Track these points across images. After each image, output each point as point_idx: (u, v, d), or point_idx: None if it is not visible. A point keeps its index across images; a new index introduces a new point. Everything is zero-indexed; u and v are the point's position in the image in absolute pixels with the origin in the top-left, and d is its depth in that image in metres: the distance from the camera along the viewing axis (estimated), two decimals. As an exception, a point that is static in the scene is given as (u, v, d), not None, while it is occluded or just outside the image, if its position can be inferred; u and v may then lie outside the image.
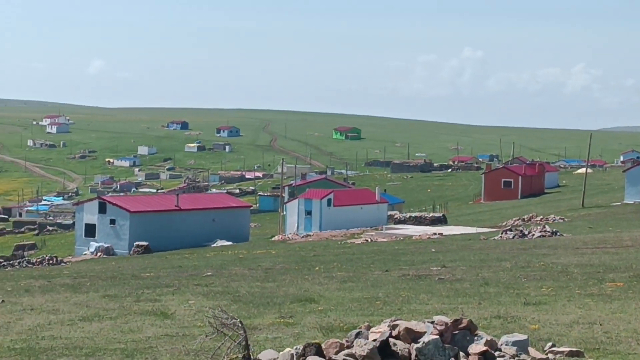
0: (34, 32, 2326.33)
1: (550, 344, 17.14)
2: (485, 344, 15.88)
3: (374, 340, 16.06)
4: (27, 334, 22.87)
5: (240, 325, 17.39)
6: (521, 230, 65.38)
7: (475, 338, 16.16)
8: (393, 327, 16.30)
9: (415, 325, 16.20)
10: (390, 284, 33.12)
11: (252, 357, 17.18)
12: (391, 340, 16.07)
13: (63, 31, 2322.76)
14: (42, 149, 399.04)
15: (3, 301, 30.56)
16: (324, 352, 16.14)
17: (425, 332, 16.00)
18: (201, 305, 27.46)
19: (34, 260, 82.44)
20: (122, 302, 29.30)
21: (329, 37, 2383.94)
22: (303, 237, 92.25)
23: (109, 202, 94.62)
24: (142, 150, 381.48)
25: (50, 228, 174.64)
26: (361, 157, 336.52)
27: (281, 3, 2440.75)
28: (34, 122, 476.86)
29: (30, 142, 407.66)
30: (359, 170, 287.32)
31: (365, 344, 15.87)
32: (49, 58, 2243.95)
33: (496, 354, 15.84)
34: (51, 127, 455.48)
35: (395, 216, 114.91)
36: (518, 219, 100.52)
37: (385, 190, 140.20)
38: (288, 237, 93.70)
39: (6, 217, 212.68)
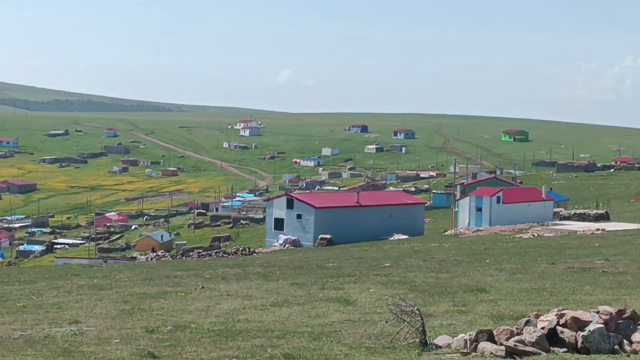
0: (229, 47, 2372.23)
1: None
2: (648, 333, 15.52)
3: (542, 328, 15.86)
4: (225, 317, 23.32)
5: (417, 312, 17.37)
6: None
7: (639, 327, 15.81)
8: (560, 316, 16.07)
9: (582, 314, 15.93)
10: (557, 275, 32.59)
11: (428, 342, 17.14)
12: (558, 328, 15.85)
13: (255, 45, 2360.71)
14: (236, 150, 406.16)
15: (203, 287, 31.24)
16: (495, 338, 16.01)
17: (590, 321, 15.73)
18: (380, 294, 27.53)
19: (229, 251, 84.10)
20: (309, 290, 29.59)
21: (498, 47, 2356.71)
22: (474, 231, 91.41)
23: (296, 199, 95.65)
24: (326, 151, 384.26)
25: (243, 222, 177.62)
26: (528, 158, 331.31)
27: (453, 13, 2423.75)
28: (229, 126, 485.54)
29: (225, 144, 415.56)
30: (526, 170, 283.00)
31: (534, 332, 15.69)
32: (243, 69, 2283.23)
33: (659, 343, 15.45)
34: (244, 131, 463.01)
35: (561, 213, 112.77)
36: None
37: (551, 189, 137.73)
38: (460, 232, 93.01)
39: (204, 211, 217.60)
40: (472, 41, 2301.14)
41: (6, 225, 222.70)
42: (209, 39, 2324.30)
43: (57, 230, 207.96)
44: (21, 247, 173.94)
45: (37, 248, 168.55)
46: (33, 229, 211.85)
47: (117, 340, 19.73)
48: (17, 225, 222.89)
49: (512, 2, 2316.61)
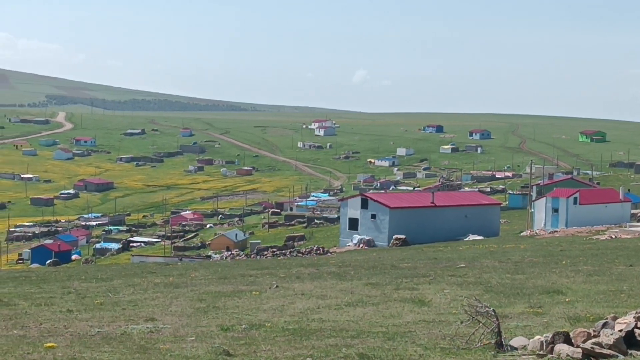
0: (306, 47, 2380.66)
1: None
2: None
3: (620, 330, 15.68)
4: (299, 316, 23.40)
5: (493, 313, 17.29)
6: None
7: None
8: (638, 318, 15.87)
9: (661, 317, 15.72)
10: (634, 277, 32.19)
11: (504, 343, 17.04)
12: (636, 330, 15.67)
13: (332, 45, 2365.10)
14: (311, 150, 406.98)
15: (277, 286, 31.38)
16: (572, 340, 15.86)
17: (670, 324, 15.52)
18: (455, 295, 27.43)
19: (303, 250, 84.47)
20: (383, 290, 29.58)
21: (575, 47, 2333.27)
22: (550, 232, 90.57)
23: (371, 199, 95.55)
24: (401, 151, 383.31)
25: (318, 221, 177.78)
26: (606, 159, 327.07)
27: (528, 12, 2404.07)
28: (304, 126, 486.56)
29: (300, 144, 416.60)
30: (604, 171, 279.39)
31: (611, 334, 15.51)
32: (318, 69, 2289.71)
33: None
34: (319, 130, 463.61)
35: (638, 215, 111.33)
36: None
37: (629, 190, 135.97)
38: (536, 233, 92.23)
39: (279, 211, 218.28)
40: (549, 41, 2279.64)
41: (84, 223, 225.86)
42: (285, 38, 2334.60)
43: (134, 229, 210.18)
44: (98, 245, 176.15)
45: (114, 246, 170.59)
46: (110, 227, 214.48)
47: (193, 338, 19.91)
48: (94, 223, 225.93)
49: (587, 1, 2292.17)
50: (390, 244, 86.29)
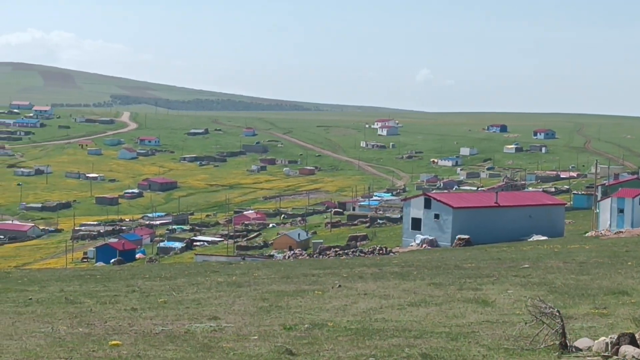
0: (368, 46, 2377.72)
1: None
2: None
3: (688, 332, 15.49)
4: (362, 316, 23.41)
5: (557, 314, 17.17)
6: None
7: None
8: None
9: None
10: None
11: (568, 344, 16.92)
12: None
13: (394, 44, 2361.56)
14: (374, 149, 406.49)
15: (340, 286, 31.40)
16: (638, 342, 15.70)
17: None
18: (519, 295, 27.26)
19: (366, 250, 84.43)
20: (446, 290, 29.49)
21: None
22: (615, 233, 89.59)
23: (434, 199, 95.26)
24: (464, 151, 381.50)
25: (380, 221, 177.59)
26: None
27: (596, 12, 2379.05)
28: (367, 126, 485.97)
29: (363, 144, 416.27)
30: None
31: (678, 336, 15.33)
32: (381, 68, 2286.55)
33: None
34: (382, 130, 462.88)
35: None
36: None
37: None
38: (601, 233, 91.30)
39: (341, 210, 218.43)
40: (614, 39, 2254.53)
41: (147, 223, 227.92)
42: (348, 37, 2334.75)
43: (197, 228, 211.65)
44: (162, 244, 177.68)
45: (177, 245, 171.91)
46: (173, 226, 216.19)
47: (256, 337, 20.00)
48: (158, 222, 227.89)
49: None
50: (453, 244, 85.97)
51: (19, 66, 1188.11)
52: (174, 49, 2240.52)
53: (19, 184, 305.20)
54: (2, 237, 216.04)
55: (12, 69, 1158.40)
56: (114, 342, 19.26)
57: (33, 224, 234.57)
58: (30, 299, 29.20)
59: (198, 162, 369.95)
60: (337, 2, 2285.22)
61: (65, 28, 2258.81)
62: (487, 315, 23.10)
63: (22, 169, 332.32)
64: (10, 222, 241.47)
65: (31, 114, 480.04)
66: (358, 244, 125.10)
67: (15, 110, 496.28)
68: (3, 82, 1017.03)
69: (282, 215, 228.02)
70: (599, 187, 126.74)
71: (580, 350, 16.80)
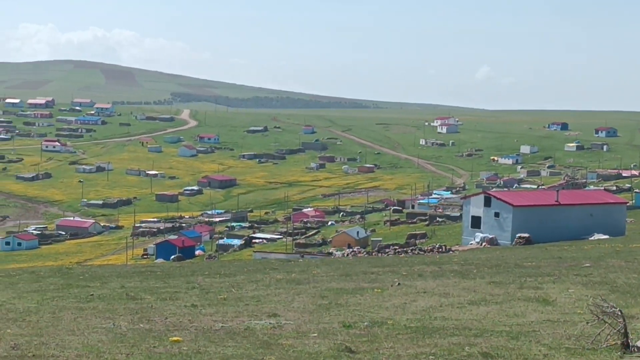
0: (428, 43, 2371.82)
1: None
2: None
3: None
4: (421, 314, 23.36)
5: (619, 313, 17.01)
6: None
7: None
8: None
9: None
10: None
11: (630, 344, 16.76)
12: None
13: (454, 41, 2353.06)
14: (433, 147, 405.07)
15: (399, 284, 31.36)
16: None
17: None
18: (580, 294, 27.04)
19: (425, 248, 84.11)
20: (507, 289, 29.32)
21: None
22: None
23: (494, 197, 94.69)
24: (524, 149, 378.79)
25: (440, 219, 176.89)
26: None
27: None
28: (426, 123, 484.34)
29: (422, 141, 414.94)
30: None
31: None
32: (441, 66, 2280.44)
33: None
34: (442, 128, 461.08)
35: None
36: None
37: None
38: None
39: (400, 208, 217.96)
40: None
41: (207, 220, 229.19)
42: (408, 35, 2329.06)
43: (256, 225, 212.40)
44: (221, 241, 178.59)
45: (236, 242, 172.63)
46: (232, 224, 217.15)
47: (315, 334, 20.04)
48: (217, 219, 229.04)
49: None
50: (513, 243, 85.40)
51: (81, 64, 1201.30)
52: (234, 46, 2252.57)
53: (80, 181, 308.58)
54: (63, 233, 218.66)
55: (74, 67, 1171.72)
56: (174, 338, 19.41)
57: (94, 221, 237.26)
58: (92, 294, 29.51)
59: (257, 160, 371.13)
60: (397, 1, 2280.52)
61: (126, 26, 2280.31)
62: (548, 314, 22.94)
63: (83, 166, 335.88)
64: (72, 218, 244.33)
65: (93, 112, 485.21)
66: (417, 242, 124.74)
67: (77, 108, 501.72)
68: (65, 80, 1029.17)
69: (341, 213, 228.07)
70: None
71: (643, 350, 16.63)
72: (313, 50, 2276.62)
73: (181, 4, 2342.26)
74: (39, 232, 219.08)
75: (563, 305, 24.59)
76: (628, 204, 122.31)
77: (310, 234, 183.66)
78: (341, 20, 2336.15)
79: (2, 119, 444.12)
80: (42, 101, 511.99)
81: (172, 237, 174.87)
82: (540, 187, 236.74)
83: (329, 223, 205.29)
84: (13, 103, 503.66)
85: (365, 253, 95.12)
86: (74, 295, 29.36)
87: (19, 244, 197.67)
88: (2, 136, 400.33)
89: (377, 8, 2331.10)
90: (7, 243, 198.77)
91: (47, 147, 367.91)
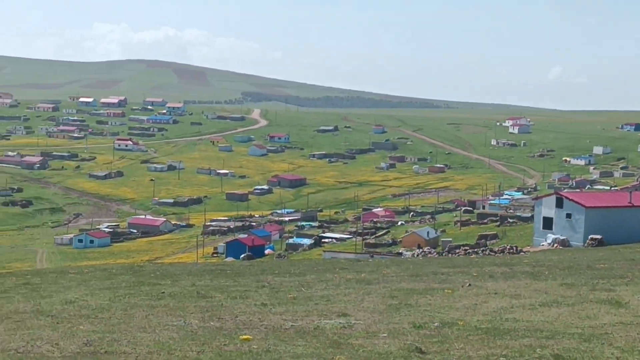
0: (499, 43, 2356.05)
1: None
2: None
3: None
4: (492, 315, 23.21)
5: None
6: None
7: None
8: None
9: None
10: None
11: None
12: None
13: (526, 41, 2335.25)
14: (504, 147, 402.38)
15: (470, 285, 31.20)
16: None
17: None
18: (655, 297, 26.67)
19: (496, 249, 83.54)
20: (579, 291, 29.03)
21: None
22: None
23: (566, 198, 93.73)
24: (597, 150, 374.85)
25: (511, 220, 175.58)
26: None
27: None
28: (498, 124, 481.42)
29: (493, 142, 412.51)
30: None
31: None
32: (512, 66, 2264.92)
33: None
34: (513, 128, 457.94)
35: None
36: None
37: None
38: None
39: (471, 209, 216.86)
40: None
41: (277, 219, 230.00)
42: (479, 34, 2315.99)
43: (325, 225, 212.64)
44: (290, 240, 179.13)
45: (306, 241, 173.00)
46: (302, 223, 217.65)
47: (385, 335, 20.00)
48: (287, 218, 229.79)
49: None
50: (585, 244, 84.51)
51: (153, 63, 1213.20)
52: (304, 46, 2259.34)
53: (152, 180, 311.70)
54: (135, 231, 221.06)
55: (147, 67, 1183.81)
56: (244, 337, 19.50)
57: (165, 219, 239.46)
58: (163, 292, 29.75)
59: (327, 159, 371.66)
60: (469, 0, 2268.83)
61: (198, 26, 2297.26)
62: (620, 316, 22.67)
63: (155, 165, 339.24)
64: (143, 217, 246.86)
65: (164, 111, 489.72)
66: (488, 242, 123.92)
67: (149, 107, 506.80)
68: (137, 80, 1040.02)
69: (411, 213, 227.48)
70: None
71: None
72: (383, 49, 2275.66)
73: (252, 4, 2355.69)
74: (111, 230, 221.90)
75: (636, 308, 24.28)
76: None
77: (380, 233, 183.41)
78: (412, 19, 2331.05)
79: (75, 118, 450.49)
80: (115, 100, 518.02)
81: (242, 236, 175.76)
82: (613, 188, 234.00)
83: (399, 223, 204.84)
84: (86, 102, 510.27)
85: (435, 253, 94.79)
86: (145, 293, 29.64)
87: (92, 242, 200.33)
88: (75, 135, 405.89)
89: (449, 8, 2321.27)
90: (80, 241, 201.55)
91: (119, 145, 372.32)
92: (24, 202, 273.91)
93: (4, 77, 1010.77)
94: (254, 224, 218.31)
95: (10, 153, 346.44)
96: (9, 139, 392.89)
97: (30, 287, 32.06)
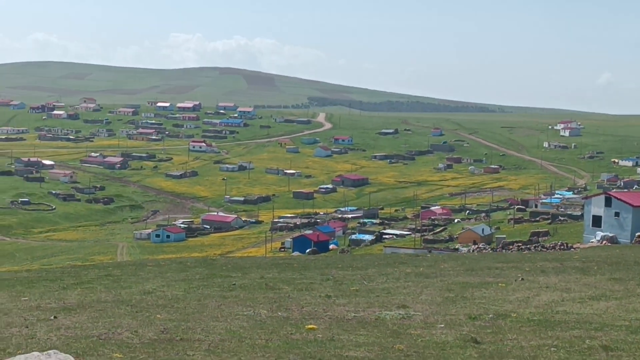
0: (552, 49, 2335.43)
1: None
2: None
3: None
4: (543, 308, 23.05)
5: None
6: None
7: None
8: None
9: None
10: None
11: None
12: None
13: (578, 47, 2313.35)
14: (556, 149, 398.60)
15: (522, 279, 30.99)
16: None
17: None
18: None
19: (547, 245, 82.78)
20: (626, 285, 28.71)
21: None
22: None
23: (614, 197, 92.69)
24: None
25: (562, 218, 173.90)
26: None
27: None
28: (550, 127, 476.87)
29: (545, 144, 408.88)
30: None
31: None
32: (564, 71, 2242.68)
33: None
34: (564, 131, 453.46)
35: None
36: None
37: None
38: None
39: (524, 207, 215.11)
40: None
41: (340, 216, 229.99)
42: (533, 42, 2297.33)
43: (386, 222, 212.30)
44: (353, 236, 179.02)
45: (368, 237, 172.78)
46: (364, 220, 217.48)
47: (442, 325, 19.96)
48: (350, 216, 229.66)
49: None
50: (632, 242, 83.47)
51: (225, 70, 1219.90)
52: (366, 53, 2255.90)
53: (223, 179, 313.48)
54: (208, 227, 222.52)
55: (219, 74, 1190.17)
56: (310, 326, 19.57)
57: (236, 216, 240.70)
58: (234, 284, 29.93)
59: (388, 160, 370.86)
60: (524, 7, 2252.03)
61: (267, 35, 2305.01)
62: (667, 310, 22.38)
63: (226, 165, 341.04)
64: (215, 213, 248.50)
65: (236, 115, 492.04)
66: (540, 239, 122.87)
67: (222, 111, 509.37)
68: (211, 85, 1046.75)
69: (467, 211, 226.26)
70: None
71: None
72: (442, 55, 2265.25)
73: (318, 13, 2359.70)
74: (186, 226, 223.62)
75: (682, 302, 23.95)
76: None
77: (437, 230, 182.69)
78: (468, 26, 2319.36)
79: (153, 122, 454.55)
80: (190, 105, 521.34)
81: (308, 232, 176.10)
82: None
83: (456, 220, 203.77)
84: (163, 107, 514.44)
85: (489, 249, 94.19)
86: (217, 285, 29.84)
87: (168, 237, 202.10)
88: (153, 137, 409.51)
89: (502, 15, 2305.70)
90: (157, 235, 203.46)
91: (193, 147, 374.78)
92: (106, 199, 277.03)
93: (88, 84, 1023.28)
94: (319, 220, 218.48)
95: (93, 154, 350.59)
96: (92, 141, 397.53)
97: (111, 279, 32.45)
